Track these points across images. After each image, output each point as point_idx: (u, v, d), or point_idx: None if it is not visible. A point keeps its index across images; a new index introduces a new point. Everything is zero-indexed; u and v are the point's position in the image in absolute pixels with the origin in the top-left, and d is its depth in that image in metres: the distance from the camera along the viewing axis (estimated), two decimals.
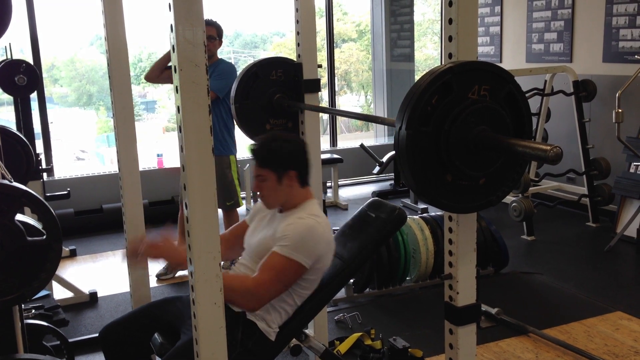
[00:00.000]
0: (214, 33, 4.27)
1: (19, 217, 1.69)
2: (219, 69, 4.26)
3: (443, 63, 1.59)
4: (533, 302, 3.80)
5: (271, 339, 2.20)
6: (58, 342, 2.81)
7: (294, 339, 2.47)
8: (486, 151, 1.51)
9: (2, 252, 1.63)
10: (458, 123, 1.48)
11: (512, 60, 6.26)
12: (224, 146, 4.32)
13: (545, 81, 5.26)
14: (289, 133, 2.40)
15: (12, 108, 4.26)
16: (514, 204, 4.92)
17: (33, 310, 2.99)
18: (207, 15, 4.30)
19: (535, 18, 6.00)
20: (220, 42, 4.39)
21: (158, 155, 6.21)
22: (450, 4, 1.64)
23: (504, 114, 1.54)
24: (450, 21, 1.64)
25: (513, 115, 1.57)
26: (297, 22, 2.73)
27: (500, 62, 6.39)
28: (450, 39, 1.65)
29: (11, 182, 1.65)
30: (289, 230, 2.15)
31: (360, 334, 3.24)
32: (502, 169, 1.59)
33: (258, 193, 2.31)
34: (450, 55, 1.66)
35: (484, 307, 3.43)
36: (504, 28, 6.40)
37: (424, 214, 4.32)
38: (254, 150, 2.27)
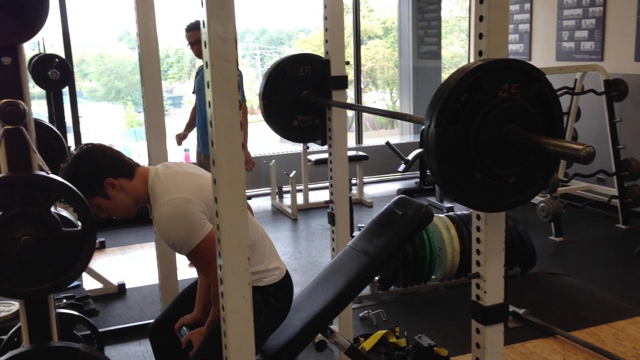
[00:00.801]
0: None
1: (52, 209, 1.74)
2: None
3: (473, 60, 1.58)
4: (561, 304, 3.76)
5: (280, 280, 2.24)
6: (88, 332, 2.87)
7: (319, 335, 2.48)
8: (516, 150, 1.51)
9: (39, 242, 1.67)
10: (488, 121, 1.48)
11: (542, 58, 6.19)
12: None
13: (576, 80, 5.18)
14: (74, 156, 2.10)
15: (42, 102, 4.34)
16: (542, 204, 4.87)
17: (64, 300, 3.06)
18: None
19: (565, 16, 5.91)
20: None
21: (185, 150, 6.27)
22: (481, 1, 1.63)
23: (535, 112, 1.53)
24: (480, 18, 1.64)
25: (544, 113, 1.56)
26: (326, 18, 2.74)
27: (530, 60, 6.32)
28: (480, 36, 1.65)
29: (48, 173, 1.70)
30: (166, 235, 2.05)
31: (385, 331, 3.25)
32: (532, 168, 1.59)
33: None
34: (480, 53, 1.66)
35: (510, 308, 3.41)
36: (534, 26, 6.32)
37: (450, 213, 4.30)
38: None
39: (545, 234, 4.97)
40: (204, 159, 4.52)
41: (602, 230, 5.11)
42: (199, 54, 4.43)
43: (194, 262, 2.15)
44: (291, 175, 5.76)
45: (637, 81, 5.14)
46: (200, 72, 4.63)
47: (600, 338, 3.25)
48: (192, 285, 2.49)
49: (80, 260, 1.72)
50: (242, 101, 4.40)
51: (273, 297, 2.21)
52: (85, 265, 1.74)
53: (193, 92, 4.70)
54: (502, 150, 1.50)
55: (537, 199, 4.89)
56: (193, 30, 4.32)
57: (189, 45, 4.41)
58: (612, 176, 5.13)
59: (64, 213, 1.79)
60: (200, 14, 1.55)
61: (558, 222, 4.91)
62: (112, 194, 2.07)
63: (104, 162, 2.08)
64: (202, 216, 2.03)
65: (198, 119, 4.62)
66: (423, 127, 1.61)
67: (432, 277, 3.97)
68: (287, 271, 2.32)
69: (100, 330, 3.00)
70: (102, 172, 2.05)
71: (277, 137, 3.06)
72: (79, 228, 1.73)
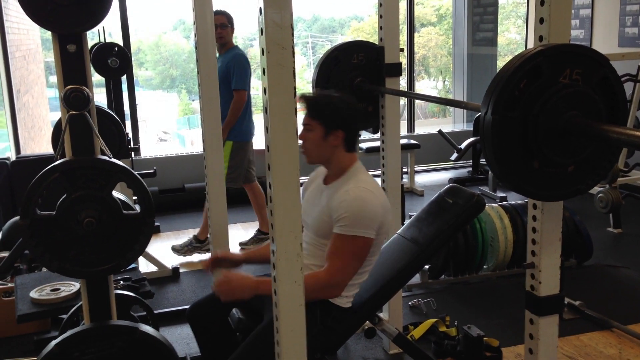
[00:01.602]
0: (225, 21, 4.39)
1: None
2: (235, 61, 4.31)
3: (533, 46, 1.54)
4: (618, 297, 3.65)
5: (346, 307, 2.23)
6: (144, 313, 2.96)
7: (367, 322, 2.49)
8: (577, 138, 1.47)
9: (101, 224, 1.73)
10: (547, 108, 1.44)
11: (604, 44, 5.97)
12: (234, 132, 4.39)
13: (639, 66, 4.98)
14: (348, 95, 2.31)
15: (101, 90, 4.47)
16: (600, 195, 4.72)
17: (121, 282, 3.16)
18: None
19: (629, 0, 5.67)
20: (233, 29, 4.45)
21: None
22: None
23: (597, 99, 1.48)
24: (542, 2, 1.60)
25: (606, 100, 1.51)
26: (381, 5, 2.72)
27: (591, 46, 6.11)
28: (541, 21, 1.61)
29: (110, 158, 1.76)
30: (343, 208, 2.09)
31: (434, 320, 3.23)
32: (593, 157, 1.54)
33: (301, 142, 2.24)
34: (540, 38, 1.62)
35: (566, 299, 3.33)
36: (595, 11, 6.10)
37: (503, 202, 4.22)
38: (307, 98, 2.20)
39: (603, 226, 4.82)
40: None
41: None
42: (219, 38, 4.45)
43: (331, 244, 2.12)
44: None
45: None
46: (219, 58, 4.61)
47: None
48: None
49: (139, 242, 1.78)
50: (243, 89, 4.30)
51: (332, 319, 2.19)
52: (143, 247, 1.80)
53: None
54: (561, 138, 1.46)
55: (596, 189, 4.73)
56: (218, 14, 4.38)
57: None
58: None
59: (120, 196, 1.84)
60: (256, 1, 1.56)
61: (617, 214, 4.75)
62: (328, 140, 2.17)
63: (354, 124, 2.22)
64: (374, 225, 2.11)
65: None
66: (478, 114, 1.59)
67: (484, 267, 3.91)
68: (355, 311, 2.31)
69: (155, 312, 3.09)
70: (345, 125, 2.18)
71: None
72: (138, 211, 1.78)
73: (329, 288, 2.10)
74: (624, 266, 4.07)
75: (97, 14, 1.74)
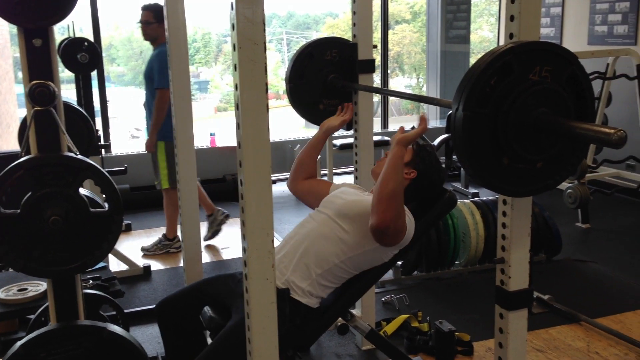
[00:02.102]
0: (150, 18, 4.27)
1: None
2: (158, 58, 4.15)
3: (504, 43, 1.55)
4: (586, 291, 3.72)
5: (315, 308, 2.22)
6: (114, 312, 2.92)
7: (340, 318, 2.49)
8: (545, 134, 1.48)
9: (67, 222, 1.70)
10: (517, 105, 1.46)
11: (574, 42, 6.06)
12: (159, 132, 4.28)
13: (608, 64, 5.07)
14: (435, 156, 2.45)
15: (71, 86, 4.38)
16: (569, 191, 4.80)
17: (91, 281, 3.11)
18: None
19: None
20: (162, 25, 4.02)
21: (211, 134, 6.31)
22: None
23: (566, 96, 1.50)
24: (512, 0, 1.61)
25: (575, 97, 1.53)
26: (354, 1, 2.72)
27: (561, 44, 6.19)
28: (512, 18, 1.62)
29: (77, 155, 1.72)
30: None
31: (407, 316, 3.25)
32: (561, 153, 1.56)
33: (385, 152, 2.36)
34: (511, 36, 1.63)
35: (535, 294, 3.38)
36: (566, 9, 6.19)
37: (475, 199, 4.26)
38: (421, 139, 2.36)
39: (572, 221, 4.90)
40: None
41: (630, 218, 5.02)
42: (144, 35, 4.34)
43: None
44: None
45: None
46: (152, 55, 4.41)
47: (626, 325, 3.21)
48: (211, 278, 2.49)
49: (107, 241, 1.75)
50: (165, 88, 3.96)
51: (301, 318, 2.18)
52: (112, 245, 1.77)
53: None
54: (531, 135, 1.48)
55: (565, 185, 4.82)
56: (145, 10, 4.29)
57: (139, 24, 4.34)
58: None
59: (88, 194, 1.81)
60: None
61: (585, 209, 4.84)
62: (406, 171, 2.27)
63: (426, 185, 2.35)
64: (405, 238, 2.19)
65: (146, 103, 4.44)
66: (450, 111, 1.59)
67: (456, 262, 3.95)
68: (324, 311, 2.31)
69: (125, 311, 3.05)
70: (423, 174, 2.32)
71: (301, 121, 3.06)
72: (106, 209, 1.75)
73: (394, 210, 2.08)
74: (592, 261, 4.15)
75: (64, 7, 1.70)
